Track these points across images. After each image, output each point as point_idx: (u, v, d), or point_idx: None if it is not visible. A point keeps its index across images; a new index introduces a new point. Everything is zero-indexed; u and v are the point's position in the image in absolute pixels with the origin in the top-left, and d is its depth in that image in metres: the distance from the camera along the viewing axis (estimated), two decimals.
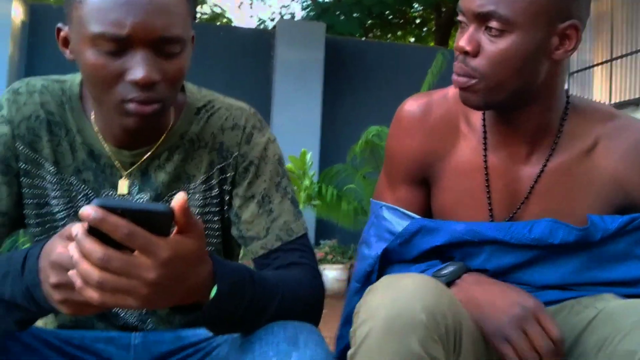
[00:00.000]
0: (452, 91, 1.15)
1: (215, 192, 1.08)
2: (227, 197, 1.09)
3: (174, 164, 1.06)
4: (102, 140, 1.04)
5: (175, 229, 0.74)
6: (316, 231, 6.89)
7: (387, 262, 1.15)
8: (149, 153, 1.05)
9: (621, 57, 6.53)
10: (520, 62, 0.97)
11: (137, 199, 1.06)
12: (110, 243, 0.70)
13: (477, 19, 0.98)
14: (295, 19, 13.32)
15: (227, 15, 15.49)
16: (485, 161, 1.10)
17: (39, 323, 1.10)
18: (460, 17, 1.02)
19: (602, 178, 1.06)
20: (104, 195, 1.06)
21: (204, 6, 14.59)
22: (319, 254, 6.39)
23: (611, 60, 6.66)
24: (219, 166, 1.08)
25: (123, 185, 1.06)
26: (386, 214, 1.15)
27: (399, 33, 15.30)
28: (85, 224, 0.70)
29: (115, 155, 1.04)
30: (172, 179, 1.06)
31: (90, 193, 1.06)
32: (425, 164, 1.14)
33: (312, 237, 6.77)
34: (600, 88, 6.73)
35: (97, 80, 0.92)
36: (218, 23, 14.78)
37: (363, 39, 13.71)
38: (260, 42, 7.59)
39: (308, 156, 3.54)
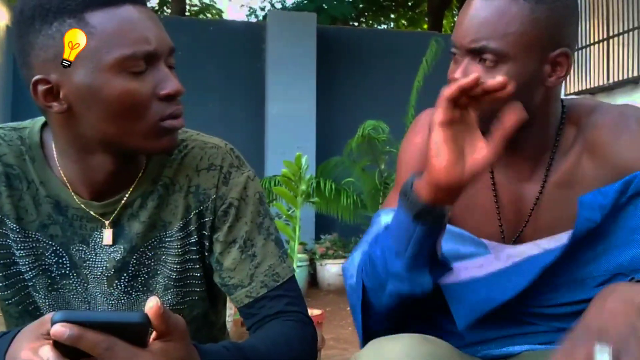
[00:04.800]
0: None
1: (193, 238, 1.01)
2: (207, 243, 1.01)
3: (148, 212, 0.99)
4: (69, 191, 0.96)
5: (153, 334, 0.67)
6: (316, 226, 6.83)
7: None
8: (122, 201, 0.97)
9: (618, 35, 6.40)
10: (516, 91, 0.98)
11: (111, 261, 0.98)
12: (73, 353, 0.62)
13: (470, 53, 1.01)
14: (287, 4, 13.18)
15: (217, 6, 15.34)
16: (492, 179, 1.12)
17: None
18: (453, 50, 1.03)
19: (607, 170, 1.03)
20: (74, 250, 0.98)
21: None
22: (320, 249, 6.32)
23: (608, 38, 6.54)
24: (196, 211, 1.00)
25: (108, 236, 0.98)
26: (383, 217, 1.10)
27: (392, 16, 15.19)
28: (51, 341, 0.62)
29: (85, 207, 0.97)
30: (147, 228, 0.99)
31: (58, 249, 0.98)
32: None
33: (312, 232, 6.70)
34: (598, 67, 6.62)
35: (131, 107, 0.87)
36: (208, 15, 14.65)
37: (355, 24, 13.61)
38: (251, 35, 7.49)
39: (303, 160, 3.46)
